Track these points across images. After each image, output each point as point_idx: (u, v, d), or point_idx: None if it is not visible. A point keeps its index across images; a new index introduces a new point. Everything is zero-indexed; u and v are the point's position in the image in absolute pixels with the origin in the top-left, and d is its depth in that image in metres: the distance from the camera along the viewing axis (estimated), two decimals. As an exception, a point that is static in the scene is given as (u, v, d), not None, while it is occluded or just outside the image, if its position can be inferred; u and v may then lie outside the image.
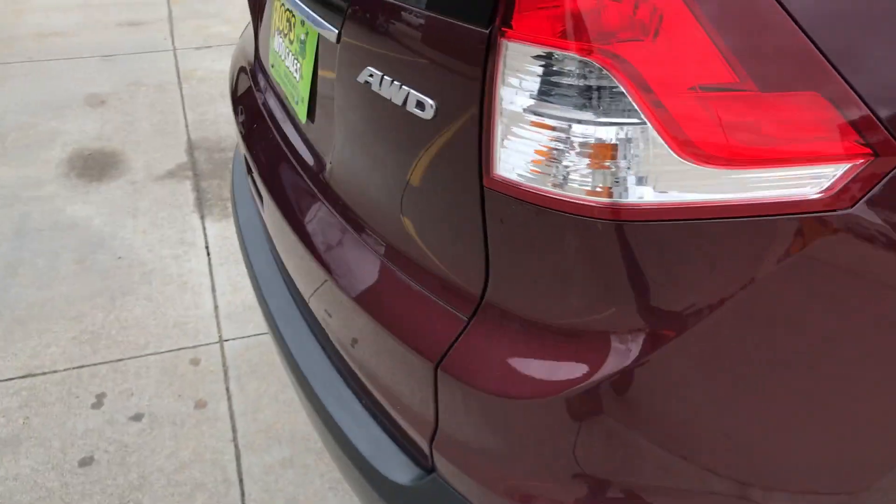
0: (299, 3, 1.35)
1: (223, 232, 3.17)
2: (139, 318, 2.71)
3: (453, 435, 1.11)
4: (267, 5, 1.73)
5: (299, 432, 2.28)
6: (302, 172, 1.41)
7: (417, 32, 0.99)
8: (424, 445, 1.17)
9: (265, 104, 1.67)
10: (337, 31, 1.14)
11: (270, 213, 1.51)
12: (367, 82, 1.08)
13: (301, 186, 1.40)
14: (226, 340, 2.63)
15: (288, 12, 1.50)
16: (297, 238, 1.35)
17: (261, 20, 1.78)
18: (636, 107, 0.85)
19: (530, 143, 0.90)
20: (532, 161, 0.91)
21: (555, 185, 0.90)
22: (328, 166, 1.32)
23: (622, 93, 0.85)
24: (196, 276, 2.93)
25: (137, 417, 2.32)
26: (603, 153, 0.88)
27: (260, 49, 1.78)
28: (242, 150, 1.71)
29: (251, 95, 1.76)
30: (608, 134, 0.87)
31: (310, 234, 1.32)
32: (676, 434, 1.01)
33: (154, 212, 3.29)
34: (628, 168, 0.87)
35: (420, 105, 1.00)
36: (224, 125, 3.99)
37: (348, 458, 1.32)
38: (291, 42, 1.48)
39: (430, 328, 1.10)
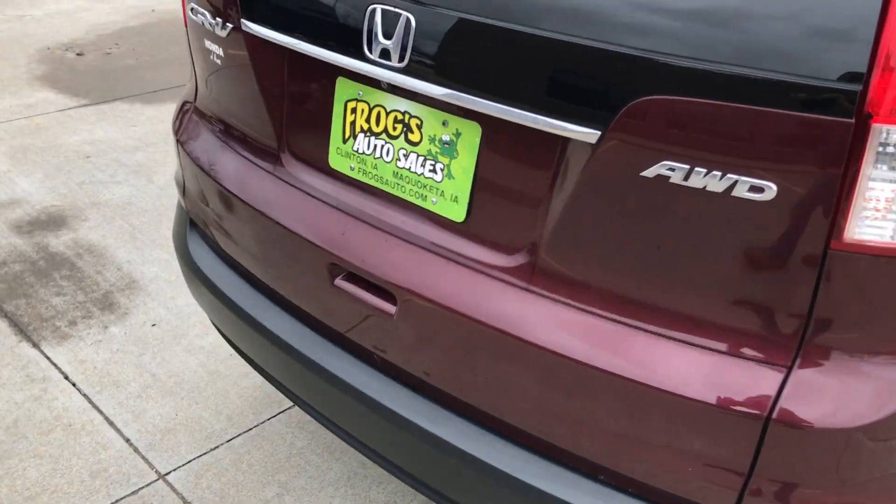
0: (461, 105, 1.33)
1: (75, 356, 2.75)
2: (41, 481, 2.27)
3: (772, 477, 1.23)
4: (304, 101, 1.63)
5: (317, 543, 2.13)
6: (477, 269, 1.39)
7: (758, 127, 1.08)
8: (726, 496, 1.26)
9: (343, 207, 1.57)
10: (599, 133, 1.18)
11: (425, 318, 1.45)
12: (661, 176, 1.15)
13: (477, 285, 1.38)
14: (166, 474, 2.32)
15: (396, 112, 1.45)
16: (520, 341, 1.34)
17: (283, 115, 1.65)
18: None
19: (891, 206, 1.07)
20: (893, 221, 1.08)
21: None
22: (537, 258, 1.33)
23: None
24: (77, 413, 2.52)
25: (126, 591, 1.98)
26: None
27: (297, 149, 1.66)
28: (319, 257, 1.59)
29: (301, 202, 1.63)
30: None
31: (542, 332, 1.32)
32: None
33: (-31, 353, 2.73)
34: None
35: (756, 189, 1.10)
36: (-16, 235, 3.41)
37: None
38: (415, 144, 1.44)
39: (744, 385, 1.20)
